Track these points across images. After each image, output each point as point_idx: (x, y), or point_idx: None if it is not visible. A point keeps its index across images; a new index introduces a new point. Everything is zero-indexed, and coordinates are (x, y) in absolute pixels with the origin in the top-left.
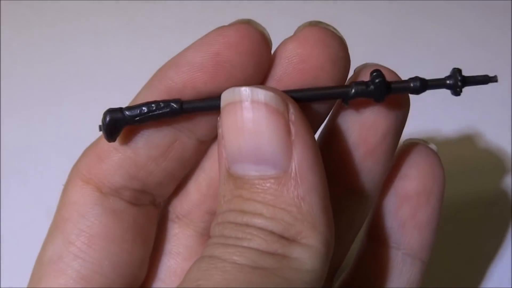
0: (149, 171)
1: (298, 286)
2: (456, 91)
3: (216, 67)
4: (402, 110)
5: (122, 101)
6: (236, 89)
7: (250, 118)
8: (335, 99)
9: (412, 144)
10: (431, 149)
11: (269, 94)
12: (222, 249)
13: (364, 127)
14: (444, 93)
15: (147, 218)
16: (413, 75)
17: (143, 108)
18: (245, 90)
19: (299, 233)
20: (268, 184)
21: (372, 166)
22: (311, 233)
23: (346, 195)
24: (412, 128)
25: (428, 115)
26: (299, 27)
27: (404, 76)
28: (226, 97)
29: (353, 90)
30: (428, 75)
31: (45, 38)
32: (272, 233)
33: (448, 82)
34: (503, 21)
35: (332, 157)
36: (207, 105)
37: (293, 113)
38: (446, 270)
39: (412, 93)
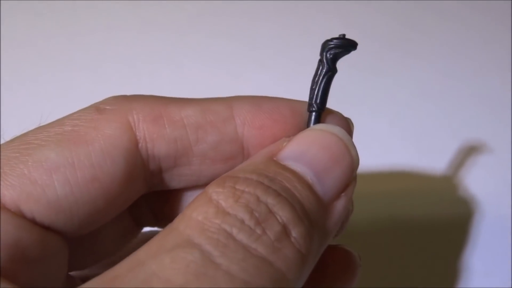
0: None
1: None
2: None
3: None
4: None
5: (125, 92)
6: (337, 127)
7: (339, 146)
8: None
9: None
10: None
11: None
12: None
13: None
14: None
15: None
16: (413, 75)
17: None
18: (343, 132)
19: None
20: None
21: None
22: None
23: None
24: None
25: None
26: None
27: (406, 75)
28: (323, 126)
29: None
30: (428, 74)
31: (52, 31)
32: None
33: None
34: (503, 21)
35: None
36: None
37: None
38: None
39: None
